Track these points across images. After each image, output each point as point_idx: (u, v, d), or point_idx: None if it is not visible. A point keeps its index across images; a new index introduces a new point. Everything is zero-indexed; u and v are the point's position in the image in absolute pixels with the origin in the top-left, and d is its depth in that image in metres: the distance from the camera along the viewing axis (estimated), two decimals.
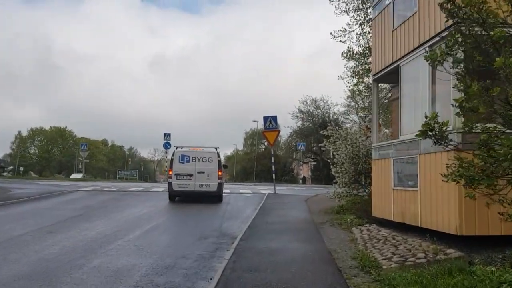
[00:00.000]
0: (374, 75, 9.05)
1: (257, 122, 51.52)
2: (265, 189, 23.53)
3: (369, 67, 17.72)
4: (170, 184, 16.01)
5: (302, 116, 44.40)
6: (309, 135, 44.22)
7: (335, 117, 44.21)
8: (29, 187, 21.78)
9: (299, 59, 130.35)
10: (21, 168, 79.90)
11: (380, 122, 14.54)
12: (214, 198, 16.19)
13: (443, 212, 6.31)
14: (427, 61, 4.57)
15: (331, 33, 18.09)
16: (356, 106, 44.49)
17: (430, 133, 4.33)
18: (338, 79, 19.90)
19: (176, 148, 16.87)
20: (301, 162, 43.65)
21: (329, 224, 10.13)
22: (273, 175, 20.78)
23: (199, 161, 16.14)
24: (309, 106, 44.31)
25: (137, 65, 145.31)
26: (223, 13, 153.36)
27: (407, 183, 7.52)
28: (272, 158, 21.09)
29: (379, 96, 8.56)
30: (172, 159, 16.43)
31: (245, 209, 14.00)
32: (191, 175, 15.82)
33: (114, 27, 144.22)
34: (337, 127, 14.29)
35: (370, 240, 7.64)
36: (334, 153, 13.33)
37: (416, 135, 4.48)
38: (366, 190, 13.10)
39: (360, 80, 18.04)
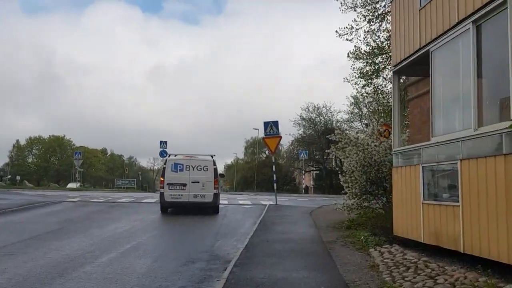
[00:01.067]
0: (395, 66, 7.59)
1: (258, 130, 50.08)
2: (266, 200, 22.02)
3: (378, 67, 16.33)
4: (162, 194, 14.82)
5: (304, 123, 43.01)
6: (312, 143, 42.78)
7: (338, 124, 42.82)
8: (12, 197, 20.27)
9: (298, 71, 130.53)
10: (18, 177, 78.47)
11: (390, 125, 13.08)
12: (209, 209, 15.01)
13: (497, 235, 4.82)
14: None
15: (336, 31, 16.72)
16: (360, 113, 43.18)
17: None
18: (344, 81, 18.49)
19: (169, 156, 15.77)
20: (303, 171, 42.11)
21: (341, 243, 8.62)
22: (274, 185, 19.25)
23: (193, 169, 14.96)
24: (311, 113, 42.95)
25: (137, 76, 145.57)
26: (222, 25, 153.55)
27: (442, 196, 6.02)
28: (273, 166, 19.59)
29: (400, 91, 7.07)
30: (164, 168, 15.23)
31: (243, 223, 12.48)
32: (184, 184, 14.66)
33: (114, 38, 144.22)
34: (345, 131, 12.93)
35: (396, 267, 6.11)
36: (343, 160, 11.84)
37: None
38: (379, 202, 11.61)
39: (369, 81, 16.60)
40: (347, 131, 40.71)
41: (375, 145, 11.16)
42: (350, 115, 41.98)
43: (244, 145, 75.63)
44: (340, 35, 16.63)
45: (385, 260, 6.59)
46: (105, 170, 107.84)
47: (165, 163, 15.42)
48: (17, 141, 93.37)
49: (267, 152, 61.82)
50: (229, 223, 12.39)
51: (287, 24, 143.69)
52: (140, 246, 8.51)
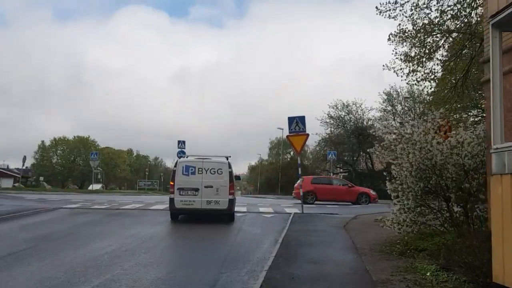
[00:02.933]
0: (494, 16, 4.82)
1: (282, 129, 47.30)
2: (291, 207, 19.33)
3: (430, 48, 13.39)
4: (171, 200, 13.21)
5: (332, 122, 39.94)
6: (340, 143, 39.67)
7: (369, 123, 39.66)
8: (6, 203, 18.23)
9: (319, 71, 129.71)
10: (41, 178, 78.55)
11: (445, 117, 10.21)
12: (224, 217, 13.47)
13: None
14: None
15: (376, 8, 13.86)
16: (393, 110, 39.81)
17: None
18: (383, 69, 15.56)
19: (180, 158, 14.32)
20: (331, 173, 39.06)
21: (399, 282, 5.89)
22: (301, 190, 16.54)
23: (206, 172, 13.39)
24: (340, 111, 39.83)
25: (163, 79, 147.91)
26: (246, 27, 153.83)
27: None
28: (299, 169, 16.86)
29: (500, 52, 4.26)
30: (174, 170, 13.61)
31: (261, 241, 9.85)
32: (197, 189, 13.15)
33: (141, 42, 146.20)
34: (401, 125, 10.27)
35: None
36: (393, 161, 9.07)
37: None
38: (440, 218, 8.79)
39: (418, 65, 13.61)
40: (381, 130, 37.55)
41: (437, 143, 8.35)
42: (383, 112, 38.77)
43: (268, 145, 73.02)
44: (380, 12, 13.77)
45: None
46: (130, 171, 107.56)
47: (175, 166, 13.78)
48: (42, 142, 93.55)
49: (292, 152, 58.91)
50: (243, 242, 9.77)
51: (308, 25, 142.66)
52: (114, 281, 6.00)
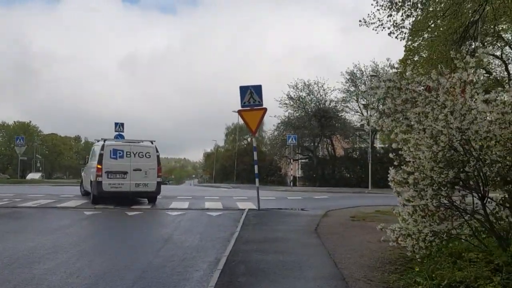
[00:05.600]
0: None
1: (237, 112, 43.63)
2: (245, 200, 15.86)
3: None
4: (99, 183, 13.18)
5: (292, 103, 36.69)
6: (301, 127, 36.53)
7: (331, 104, 36.75)
8: None
9: (271, 59, 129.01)
10: None
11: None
12: (151, 199, 14.29)
13: None
14: None
15: None
16: (356, 91, 37.03)
17: None
18: (360, 25, 12.08)
19: (105, 141, 13.97)
20: (290, 160, 36.01)
21: None
22: (256, 180, 13.03)
23: (135, 156, 13.79)
24: (301, 91, 36.62)
25: (113, 65, 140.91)
26: (199, 15, 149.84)
27: None
28: (255, 153, 13.31)
29: None
30: (101, 154, 13.43)
31: (192, 265, 6.22)
32: (125, 172, 13.53)
33: (92, 29, 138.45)
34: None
35: None
36: (398, 139, 5.65)
37: None
38: (474, 225, 5.53)
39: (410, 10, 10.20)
40: (343, 114, 34.64)
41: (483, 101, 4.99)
42: (346, 93, 35.94)
43: (224, 131, 69.23)
44: None
45: None
46: (76, 159, 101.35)
47: (102, 149, 13.50)
48: None
49: (249, 138, 55.40)
50: (163, 267, 6.09)
51: (260, 14, 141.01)
52: None
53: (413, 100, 5.51)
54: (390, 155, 5.63)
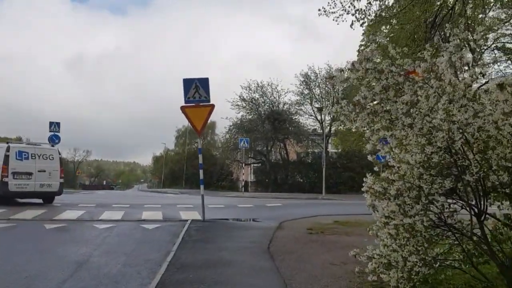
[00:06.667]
0: None
1: None
2: (190, 209, 14.22)
3: None
4: (5, 184, 13.60)
5: (244, 105, 35.32)
6: (253, 130, 35.22)
7: (285, 107, 35.75)
8: None
9: (222, 63, 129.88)
10: None
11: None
12: (51, 199, 15.09)
13: None
14: None
15: None
16: (310, 94, 36.21)
17: None
18: (319, 14, 10.82)
19: (8, 143, 14.66)
20: (242, 164, 34.57)
21: None
22: (201, 187, 11.42)
23: (39, 158, 14.50)
24: (254, 92, 35.33)
25: (58, 65, 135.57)
26: (149, 16, 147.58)
27: None
28: (200, 156, 11.68)
29: None
30: (7, 155, 13.84)
31: None
32: (30, 173, 14.17)
33: (37, 27, 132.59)
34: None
35: None
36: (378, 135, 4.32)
37: None
38: (468, 247, 4.30)
39: None
40: (297, 117, 33.65)
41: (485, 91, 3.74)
42: (300, 96, 35.05)
43: (175, 134, 66.84)
44: None
45: None
46: None
47: (7, 150, 13.98)
48: None
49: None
50: None
51: (212, 17, 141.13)
52: None
53: (396, 87, 4.21)
54: (369, 157, 4.27)
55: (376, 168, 4.26)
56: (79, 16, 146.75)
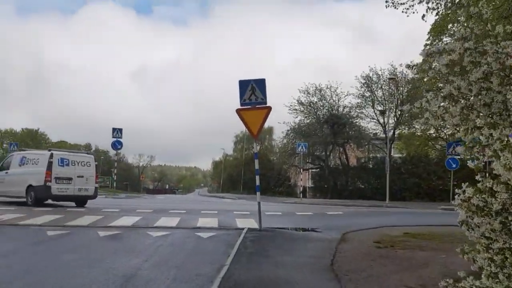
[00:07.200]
0: None
1: None
2: (246, 216, 13.67)
3: None
4: (48, 188, 15.07)
5: (302, 109, 34.44)
6: (312, 135, 34.22)
7: (345, 110, 34.43)
8: None
9: (280, 67, 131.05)
10: None
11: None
12: (84, 202, 16.17)
13: None
14: None
15: None
16: (372, 96, 34.58)
17: None
18: (387, 6, 9.88)
19: (49, 150, 16.22)
20: (300, 169, 33.67)
21: None
22: (257, 194, 10.77)
23: (78, 165, 15.86)
24: (312, 96, 34.34)
25: (124, 76, 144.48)
26: (208, 26, 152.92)
27: None
28: (256, 161, 11.07)
29: None
30: (50, 162, 15.30)
31: None
32: (71, 179, 15.55)
33: (106, 39, 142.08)
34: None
35: None
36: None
37: None
38: None
39: None
40: (358, 120, 32.23)
41: None
42: (361, 99, 33.59)
43: (233, 139, 67.32)
44: None
45: None
46: None
47: (51, 157, 15.41)
48: None
49: (259, 146, 53.11)
50: None
51: (269, 25, 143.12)
52: None
53: (503, 73, 3.29)
54: (469, 164, 3.36)
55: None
56: (143, 28, 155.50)
